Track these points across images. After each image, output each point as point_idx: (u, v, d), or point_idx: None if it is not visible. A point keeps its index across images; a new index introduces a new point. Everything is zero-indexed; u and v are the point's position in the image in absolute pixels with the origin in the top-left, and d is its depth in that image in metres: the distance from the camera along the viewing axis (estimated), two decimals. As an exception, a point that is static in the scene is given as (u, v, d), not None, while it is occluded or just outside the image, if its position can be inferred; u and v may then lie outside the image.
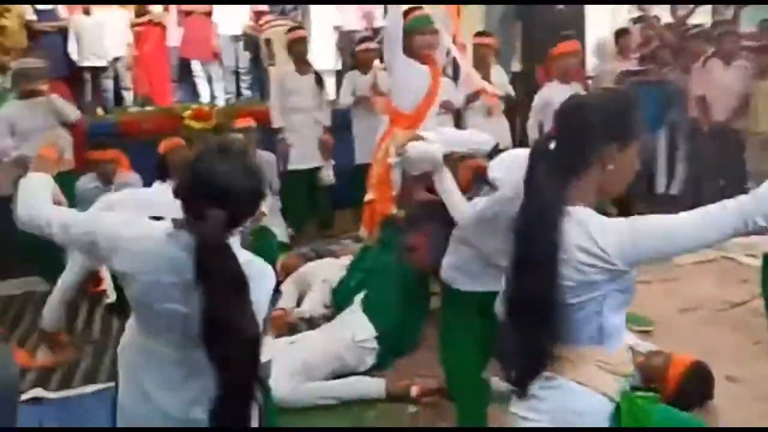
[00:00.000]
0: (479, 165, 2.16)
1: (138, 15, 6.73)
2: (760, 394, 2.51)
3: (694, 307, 3.41)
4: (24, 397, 2.65)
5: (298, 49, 5.02)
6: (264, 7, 6.82)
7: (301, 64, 5.00)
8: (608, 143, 1.45)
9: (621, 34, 6.11)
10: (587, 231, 1.39)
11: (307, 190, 5.05)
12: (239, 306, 1.38)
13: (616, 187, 1.52)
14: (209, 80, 6.76)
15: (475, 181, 2.16)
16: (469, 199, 2.20)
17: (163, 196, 3.10)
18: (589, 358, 1.43)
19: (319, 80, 5.02)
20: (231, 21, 6.45)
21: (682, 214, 1.40)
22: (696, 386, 2.43)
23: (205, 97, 6.65)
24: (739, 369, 2.67)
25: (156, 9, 6.70)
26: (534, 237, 1.43)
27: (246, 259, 1.51)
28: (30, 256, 3.05)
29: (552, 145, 1.48)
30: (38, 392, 2.71)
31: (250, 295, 1.39)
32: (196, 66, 6.72)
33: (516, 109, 5.75)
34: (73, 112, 4.29)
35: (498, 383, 2.47)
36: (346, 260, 3.59)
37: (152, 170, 4.34)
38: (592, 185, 1.48)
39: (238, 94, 6.69)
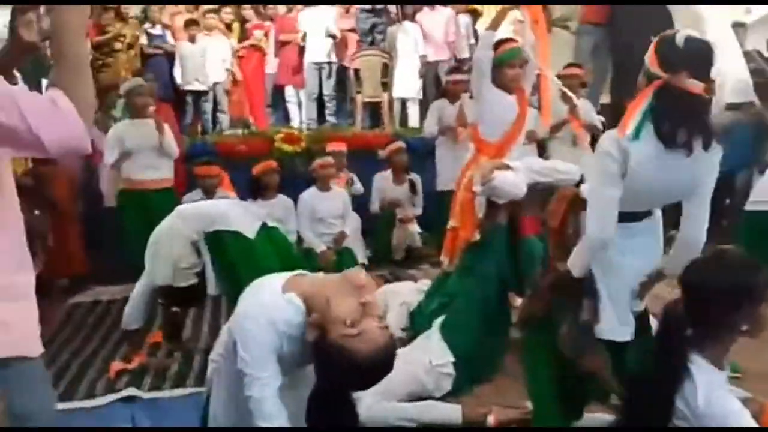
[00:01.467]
0: (574, 192, 2.09)
1: (240, 41, 7.15)
2: None
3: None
4: (119, 395, 2.85)
5: (398, 159, 5.27)
6: (353, 35, 7.05)
7: (399, 173, 5.27)
8: (736, 313, 1.60)
9: None
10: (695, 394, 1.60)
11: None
12: None
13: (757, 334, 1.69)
14: (299, 106, 7.06)
15: (573, 210, 2.08)
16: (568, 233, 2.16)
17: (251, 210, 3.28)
18: None
19: (413, 187, 5.26)
20: (315, 49, 6.71)
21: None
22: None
23: (296, 121, 6.93)
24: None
25: (258, 34, 7.07)
26: (652, 393, 1.65)
27: None
28: (135, 262, 3.28)
29: (683, 311, 1.66)
30: (132, 391, 2.87)
31: None
32: (289, 91, 7.03)
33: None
34: (174, 151, 4.40)
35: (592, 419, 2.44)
36: (423, 284, 3.62)
37: (245, 188, 4.61)
38: (723, 345, 1.66)
39: (323, 120, 6.92)
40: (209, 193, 4.21)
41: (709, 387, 1.64)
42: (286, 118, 7.05)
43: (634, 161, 1.77)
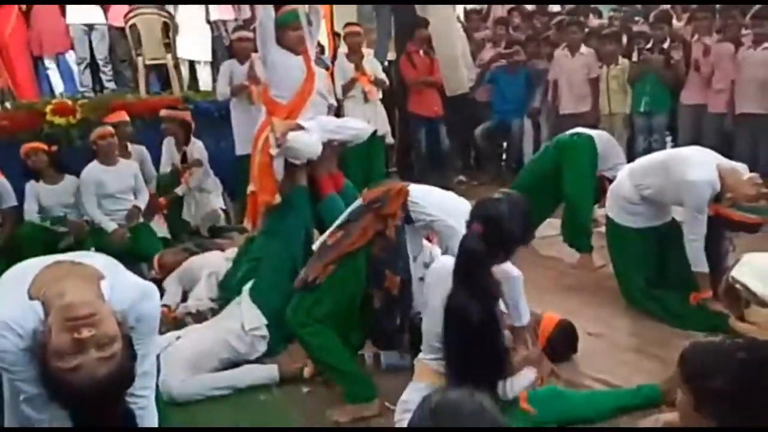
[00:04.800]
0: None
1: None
2: (617, 346, 2.84)
3: (559, 274, 3.75)
4: None
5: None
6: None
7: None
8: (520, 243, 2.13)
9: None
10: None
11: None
12: None
13: None
14: (68, 74, 6.34)
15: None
16: None
17: None
18: None
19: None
20: (82, 9, 6.05)
21: None
22: (563, 341, 2.70)
23: (58, 90, 6.22)
24: (599, 326, 2.99)
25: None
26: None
27: (132, 282, 1.56)
28: None
29: (477, 242, 2.01)
30: None
31: None
32: (48, 59, 6.27)
33: (392, 97, 5.94)
34: None
35: (388, 356, 2.65)
36: (231, 253, 3.57)
37: (15, 171, 4.12)
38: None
39: (101, 87, 6.33)
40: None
41: None
42: (50, 89, 6.29)
43: None
